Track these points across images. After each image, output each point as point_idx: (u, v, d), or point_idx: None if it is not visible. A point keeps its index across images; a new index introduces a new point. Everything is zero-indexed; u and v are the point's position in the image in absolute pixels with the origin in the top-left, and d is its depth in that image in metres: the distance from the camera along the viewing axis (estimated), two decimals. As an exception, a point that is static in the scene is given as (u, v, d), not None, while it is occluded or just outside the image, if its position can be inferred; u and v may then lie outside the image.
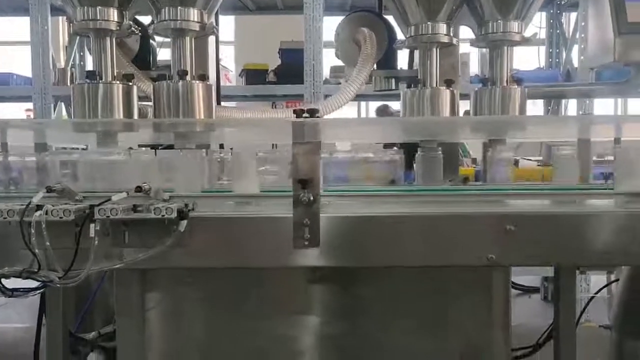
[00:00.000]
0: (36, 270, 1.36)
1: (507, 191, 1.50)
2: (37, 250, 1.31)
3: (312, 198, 1.38)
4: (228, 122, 1.51)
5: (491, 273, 1.67)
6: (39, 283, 1.44)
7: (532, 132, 1.61)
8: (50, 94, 3.97)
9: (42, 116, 3.83)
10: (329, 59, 3.84)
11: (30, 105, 4.31)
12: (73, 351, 1.90)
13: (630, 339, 2.02)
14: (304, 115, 1.41)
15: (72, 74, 4.46)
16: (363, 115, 7.49)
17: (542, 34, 5.01)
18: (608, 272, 1.98)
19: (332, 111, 1.92)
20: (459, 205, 1.49)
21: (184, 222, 1.35)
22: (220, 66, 2.48)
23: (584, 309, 1.99)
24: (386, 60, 2.05)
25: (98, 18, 1.44)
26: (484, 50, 1.72)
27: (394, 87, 2.05)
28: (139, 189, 1.39)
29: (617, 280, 2.03)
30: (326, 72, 4.27)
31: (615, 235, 1.39)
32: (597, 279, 3.63)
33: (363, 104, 7.47)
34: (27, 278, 1.39)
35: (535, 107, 4.23)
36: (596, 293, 2.43)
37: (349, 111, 7.26)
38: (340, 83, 3.95)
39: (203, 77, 1.51)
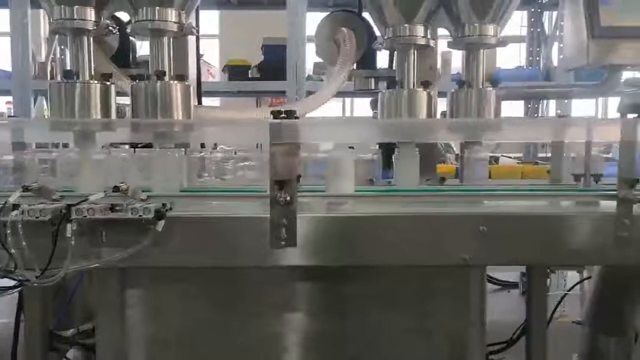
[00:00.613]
0: (12, 269, 1.37)
1: (482, 192, 1.53)
2: (13, 250, 1.32)
3: (289, 199, 1.39)
4: (206, 122, 1.52)
5: (467, 271, 1.70)
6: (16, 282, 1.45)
7: (507, 134, 1.64)
8: (30, 88, 3.93)
9: (21, 110, 3.79)
10: (312, 56, 3.84)
11: (10, 98, 4.27)
12: (52, 348, 1.89)
13: (600, 334, 2.08)
14: (281, 116, 1.42)
15: (52, 68, 4.42)
16: (347, 111, 7.52)
17: (523, 32, 5.07)
18: (578, 271, 2.02)
19: (312, 110, 1.94)
20: (434, 206, 1.51)
21: (162, 222, 1.36)
22: (202, 62, 2.48)
23: (557, 305, 2.03)
24: (366, 60, 2.07)
25: (75, 17, 1.44)
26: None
27: (373, 87, 2.07)
28: (116, 188, 1.39)
29: (589, 277, 2.08)
30: (309, 69, 4.27)
31: (584, 235, 1.43)
32: (573, 275, 3.70)
33: (348, 100, 7.50)
34: (3, 277, 1.40)
35: (514, 106, 4.29)
36: (569, 290, 2.49)
37: (334, 106, 7.29)
38: (322, 80, 3.97)
39: (182, 78, 1.51)
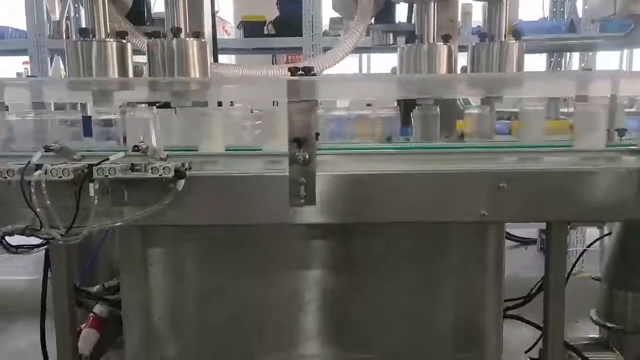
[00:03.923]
0: (38, 227, 1.40)
1: (500, 149, 1.51)
2: (38, 209, 1.34)
3: (307, 157, 1.39)
4: (223, 80, 1.51)
5: (485, 226, 1.70)
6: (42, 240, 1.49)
7: (529, 89, 1.60)
8: (46, 47, 3.93)
9: (39, 70, 3.80)
10: (329, 10, 3.77)
11: (27, 58, 4.27)
12: (78, 304, 1.95)
13: (618, 290, 2.08)
14: (298, 73, 1.41)
15: (67, 27, 4.39)
16: (364, 68, 7.41)
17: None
18: (598, 227, 2.01)
19: (330, 66, 1.91)
20: (453, 163, 1.50)
21: (182, 181, 1.37)
22: (217, 19, 2.45)
23: (576, 261, 2.04)
24: (384, 14, 2.02)
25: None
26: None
27: (392, 42, 2.03)
28: (136, 148, 1.40)
29: (609, 233, 2.06)
30: (325, 24, 4.19)
31: (605, 191, 1.41)
32: (592, 232, 3.68)
33: (365, 56, 7.37)
34: (30, 235, 1.43)
35: (536, 59, 4.18)
36: (588, 246, 2.48)
37: (351, 63, 7.17)
38: (339, 35, 3.90)
39: (198, 35, 1.49)
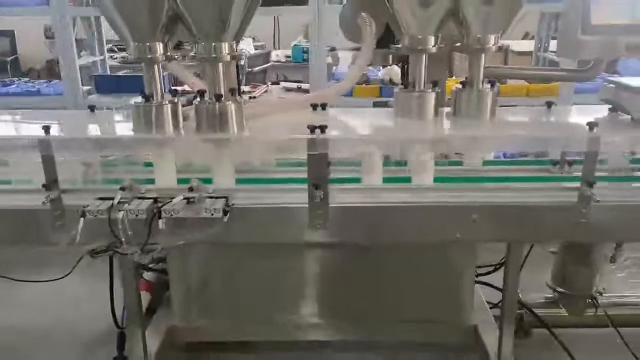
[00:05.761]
0: (118, 246, 1.86)
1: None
2: (123, 238, 1.79)
3: (322, 196, 1.82)
4: (254, 141, 1.88)
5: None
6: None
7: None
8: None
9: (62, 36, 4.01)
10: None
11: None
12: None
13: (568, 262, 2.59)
14: (316, 130, 1.79)
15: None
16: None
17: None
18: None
19: (343, 91, 2.28)
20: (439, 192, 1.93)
21: (227, 216, 1.81)
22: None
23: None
24: (384, 39, 2.34)
25: (148, 52, 1.77)
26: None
27: (391, 63, 2.38)
28: (190, 189, 1.83)
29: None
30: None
31: (551, 219, 1.85)
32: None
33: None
34: (113, 254, 1.89)
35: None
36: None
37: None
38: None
39: (233, 92, 1.87)
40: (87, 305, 3.09)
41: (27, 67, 8.66)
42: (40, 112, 2.21)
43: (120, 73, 4.85)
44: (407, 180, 1.97)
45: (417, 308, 2.48)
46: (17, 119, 2.26)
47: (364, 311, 2.50)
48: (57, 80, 4.50)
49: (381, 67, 4.28)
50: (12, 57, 8.28)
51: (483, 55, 1.98)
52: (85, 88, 4.24)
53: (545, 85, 4.06)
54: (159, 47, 1.79)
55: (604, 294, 2.60)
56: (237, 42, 1.82)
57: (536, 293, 2.74)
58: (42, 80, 4.65)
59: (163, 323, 2.55)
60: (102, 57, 4.79)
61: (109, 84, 4.22)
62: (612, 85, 2.01)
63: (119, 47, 6.71)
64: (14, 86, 4.24)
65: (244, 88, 4.23)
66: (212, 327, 2.55)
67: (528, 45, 6.03)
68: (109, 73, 4.76)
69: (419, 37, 1.94)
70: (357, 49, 2.41)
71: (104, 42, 4.86)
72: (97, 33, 4.69)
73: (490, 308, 2.67)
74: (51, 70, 8.18)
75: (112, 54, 5.88)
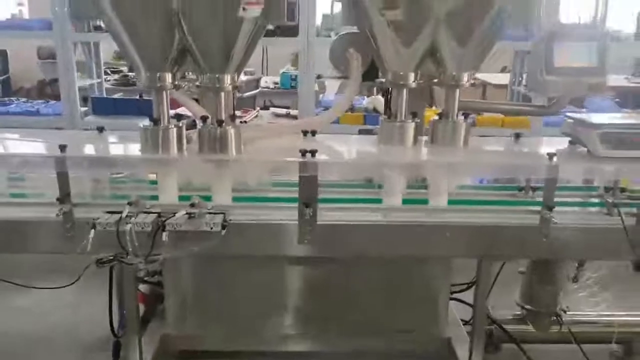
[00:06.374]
0: (124, 256, 2.03)
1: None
2: (130, 248, 1.96)
3: (311, 214, 2.02)
4: (250, 162, 2.08)
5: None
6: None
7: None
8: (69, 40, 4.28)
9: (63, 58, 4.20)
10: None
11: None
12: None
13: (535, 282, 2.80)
14: (307, 154, 2.00)
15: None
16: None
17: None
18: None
19: (330, 120, 2.51)
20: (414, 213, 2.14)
21: (224, 230, 1.99)
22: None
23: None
24: (369, 72, 2.58)
25: (158, 81, 1.98)
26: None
27: (375, 94, 2.61)
28: (192, 205, 2.01)
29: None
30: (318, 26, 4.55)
31: (515, 238, 2.08)
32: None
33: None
34: (120, 263, 2.06)
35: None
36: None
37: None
38: (330, 36, 4.37)
39: (233, 118, 2.08)
40: (85, 312, 3.25)
41: (18, 86, 8.82)
42: (53, 132, 2.40)
43: (115, 95, 5.04)
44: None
45: (398, 320, 2.68)
46: (28, 138, 2.43)
47: (349, 323, 2.69)
48: (54, 101, 4.67)
49: (366, 96, 4.56)
50: (4, 76, 8.40)
51: (458, 90, 2.22)
52: (82, 109, 4.41)
53: (519, 118, 4.34)
54: (168, 77, 2.00)
55: (567, 312, 2.82)
56: (239, 74, 2.03)
57: (506, 310, 2.95)
58: (40, 101, 4.80)
59: (157, 332, 2.71)
60: (99, 80, 4.98)
61: (106, 106, 4.41)
62: (571, 120, 2.25)
63: (112, 70, 6.91)
64: (13, 106, 4.41)
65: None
66: (204, 337, 2.72)
67: (504, 79, 6.37)
68: (105, 95, 4.95)
69: (401, 73, 2.17)
70: (343, 78, 2.65)
71: (102, 65, 5.07)
72: (95, 57, 4.88)
73: (464, 324, 2.87)
74: (42, 91, 8.34)
75: (105, 77, 6.07)
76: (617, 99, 7.26)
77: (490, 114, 4.29)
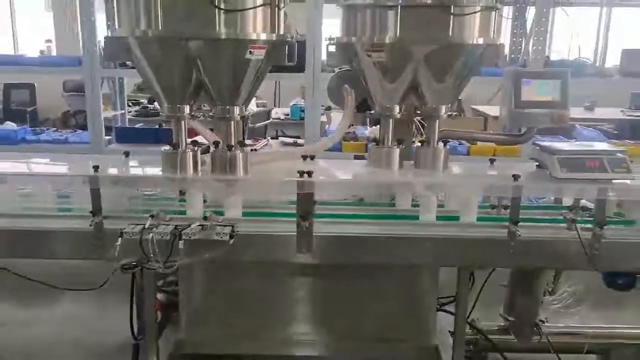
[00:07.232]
0: (146, 262, 2.35)
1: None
2: (151, 255, 2.28)
3: (308, 226, 2.33)
4: (254, 181, 2.42)
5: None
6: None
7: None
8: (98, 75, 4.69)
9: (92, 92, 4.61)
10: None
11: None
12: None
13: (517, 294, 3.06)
14: (304, 174, 2.32)
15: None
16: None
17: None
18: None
19: (326, 147, 2.85)
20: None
21: (232, 240, 2.31)
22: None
23: (489, 275, 3.02)
24: (363, 104, 2.92)
25: (178, 112, 2.34)
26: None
27: (368, 124, 2.95)
28: (205, 218, 2.34)
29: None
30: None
31: (487, 249, 2.37)
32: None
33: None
34: (142, 268, 2.38)
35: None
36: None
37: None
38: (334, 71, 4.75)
39: (242, 144, 2.42)
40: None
41: (44, 117, 9.34)
42: (84, 157, 2.76)
43: (137, 125, 5.46)
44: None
45: (388, 328, 2.94)
46: (64, 162, 2.80)
47: (343, 330, 2.96)
48: (81, 130, 5.08)
49: (368, 127, 4.91)
50: (32, 107, 8.92)
51: (437, 120, 2.55)
52: (106, 138, 4.80)
53: (509, 147, 4.63)
54: (186, 109, 2.36)
55: (546, 323, 3.07)
56: (246, 106, 2.39)
57: (491, 322, 3.21)
58: (68, 130, 5.23)
59: (172, 337, 3.00)
60: (122, 111, 5.40)
61: (127, 135, 4.81)
62: (537, 147, 2.56)
63: (133, 102, 7.37)
64: (44, 135, 4.82)
65: (247, 141, 4.78)
66: (214, 341, 3.00)
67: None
68: (127, 125, 5.37)
69: (387, 105, 2.51)
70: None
71: (125, 98, 5.50)
72: (119, 90, 5.32)
73: (451, 334, 3.13)
74: (66, 122, 8.84)
75: (127, 108, 6.52)
76: (615, 131, 7.57)
77: (483, 143, 4.61)
